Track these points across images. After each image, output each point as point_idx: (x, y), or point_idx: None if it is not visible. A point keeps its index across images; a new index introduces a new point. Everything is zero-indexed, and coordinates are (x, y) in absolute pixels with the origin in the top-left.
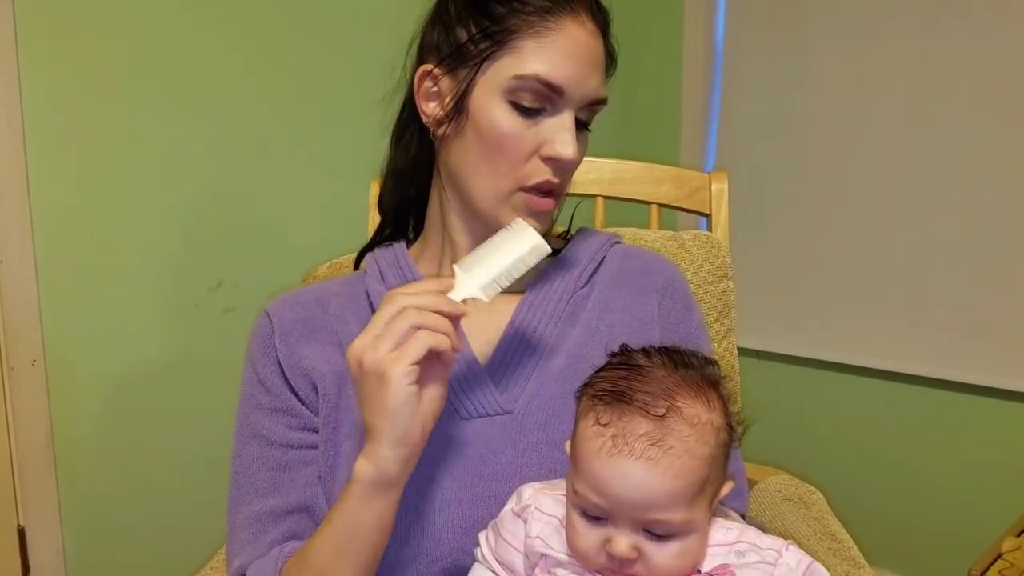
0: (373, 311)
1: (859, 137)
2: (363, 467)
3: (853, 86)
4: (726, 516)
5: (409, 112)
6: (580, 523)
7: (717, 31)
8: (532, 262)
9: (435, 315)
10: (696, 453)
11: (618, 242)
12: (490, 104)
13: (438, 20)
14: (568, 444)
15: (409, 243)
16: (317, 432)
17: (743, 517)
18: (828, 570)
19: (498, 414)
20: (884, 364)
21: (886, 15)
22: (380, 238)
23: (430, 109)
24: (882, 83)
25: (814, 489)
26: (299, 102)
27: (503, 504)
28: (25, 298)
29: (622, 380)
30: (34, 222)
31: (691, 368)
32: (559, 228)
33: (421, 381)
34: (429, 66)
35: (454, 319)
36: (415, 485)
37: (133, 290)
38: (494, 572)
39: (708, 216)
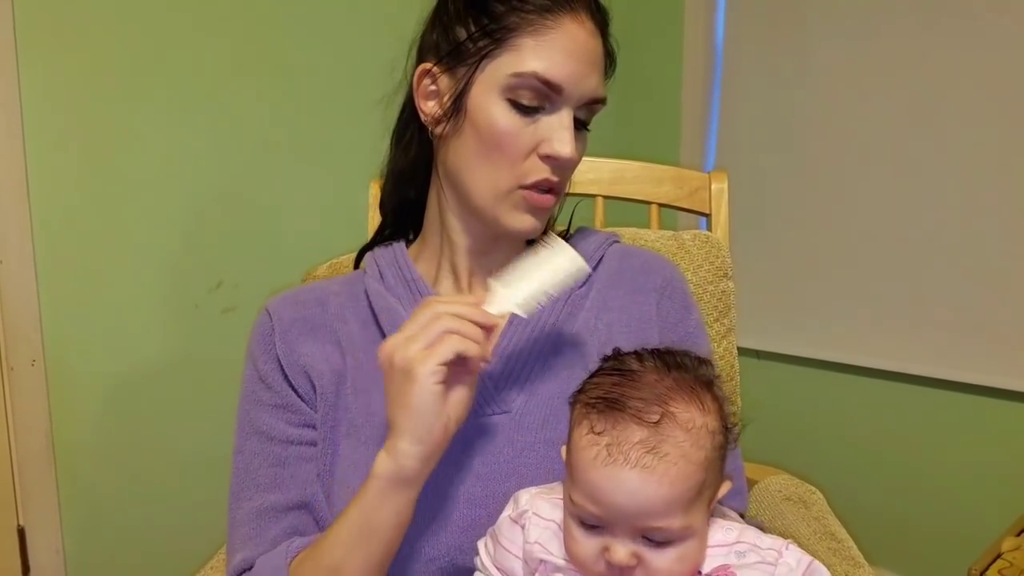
0: (372, 310)
1: (859, 137)
2: (383, 462)
3: (853, 86)
4: (725, 516)
5: (409, 112)
6: (578, 531)
7: (717, 31)
8: (572, 282)
9: (468, 323)
10: (692, 458)
11: (616, 241)
12: (488, 102)
13: (437, 19)
14: (564, 449)
15: (409, 243)
16: (316, 429)
17: (742, 516)
18: (828, 570)
19: (495, 414)
20: (884, 364)
21: (886, 15)
22: (380, 238)
23: (429, 108)
24: (882, 83)
25: (814, 489)
26: (299, 102)
27: (501, 503)
28: (25, 298)
29: (615, 387)
30: (34, 222)
31: (684, 370)
32: (559, 227)
33: (448, 383)
34: (428, 65)
35: (487, 330)
36: None
37: (133, 290)
38: None
39: (708, 216)
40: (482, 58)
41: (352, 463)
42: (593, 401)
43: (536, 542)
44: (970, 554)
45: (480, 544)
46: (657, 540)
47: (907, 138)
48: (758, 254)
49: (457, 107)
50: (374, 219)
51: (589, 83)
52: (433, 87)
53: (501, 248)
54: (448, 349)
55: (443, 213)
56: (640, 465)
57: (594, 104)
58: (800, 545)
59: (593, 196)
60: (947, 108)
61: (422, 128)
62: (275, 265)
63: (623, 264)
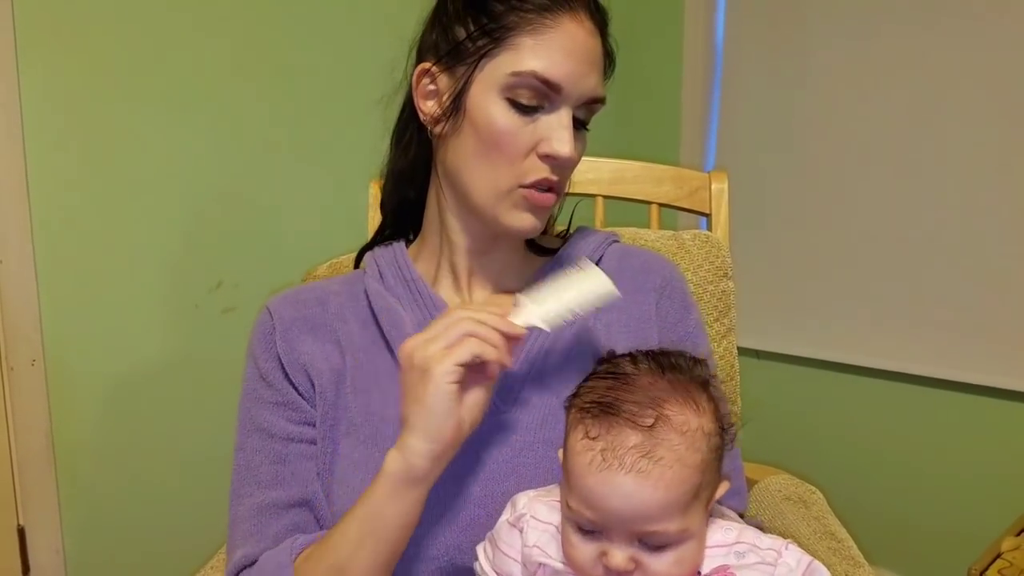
0: (372, 310)
1: (859, 137)
2: (393, 459)
3: (853, 86)
4: (725, 516)
5: (409, 113)
6: (575, 537)
7: (717, 31)
8: (600, 304)
9: (490, 329)
10: (687, 461)
11: (616, 241)
12: (487, 101)
13: (436, 19)
14: (560, 453)
15: (409, 243)
16: (316, 427)
17: (741, 516)
18: (828, 569)
19: (494, 413)
20: (884, 364)
21: (886, 15)
22: (380, 238)
23: (428, 107)
24: (882, 83)
25: (814, 488)
26: (299, 102)
27: (500, 502)
28: (25, 298)
29: (609, 391)
30: (34, 222)
31: (680, 371)
32: (558, 227)
33: (464, 385)
34: (427, 64)
35: (509, 339)
36: None
37: (133, 290)
38: None
39: (708, 216)
40: (481, 57)
41: (351, 462)
42: (587, 406)
43: (535, 545)
44: (970, 554)
45: (479, 549)
46: (654, 544)
47: (907, 138)
48: (758, 254)
49: (456, 106)
50: (374, 219)
51: (588, 82)
52: (432, 87)
53: (500, 248)
54: (466, 351)
55: (442, 213)
56: (635, 470)
57: (593, 104)
58: (800, 545)
59: (593, 196)
60: (947, 108)
61: (421, 128)
62: (275, 265)
63: (622, 264)
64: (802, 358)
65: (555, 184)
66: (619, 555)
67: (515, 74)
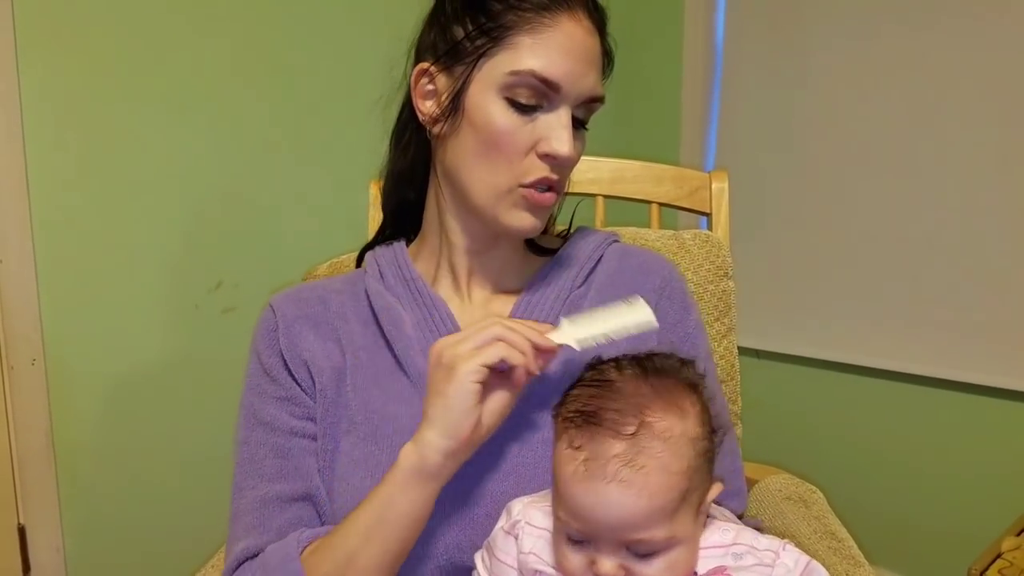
0: (372, 309)
1: (859, 137)
2: (408, 452)
3: (853, 86)
4: (722, 516)
5: (408, 113)
6: (565, 546)
7: (717, 31)
8: (635, 331)
9: (520, 336)
10: (672, 468)
11: (616, 241)
12: (486, 101)
13: (435, 19)
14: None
15: (410, 242)
16: (317, 423)
17: (740, 517)
18: (828, 569)
19: None
20: (884, 364)
21: (886, 15)
22: (381, 238)
23: (427, 108)
24: (882, 83)
25: (814, 488)
26: (299, 102)
27: (500, 501)
28: (25, 297)
29: (592, 399)
30: (34, 222)
31: (664, 375)
32: (559, 227)
33: (487, 387)
34: (426, 64)
35: (541, 352)
36: None
37: (133, 290)
38: None
39: (708, 215)
40: (479, 57)
41: (352, 459)
42: (571, 415)
43: (531, 552)
44: (970, 554)
45: (477, 557)
46: (642, 551)
47: (907, 138)
48: (758, 254)
49: (455, 106)
50: (374, 219)
51: (587, 81)
52: (431, 87)
53: (500, 247)
54: (494, 353)
55: (442, 213)
56: (618, 479)
57: (592, 103)
58: (800, 544)
59: (593, 195)
60: (947, 108)
61: (421, 128)
62: (275, 265)
63: (622, 264)
64: (802, 358)
65: (555, 183)
66: (608, 564)
67: (514, 73)
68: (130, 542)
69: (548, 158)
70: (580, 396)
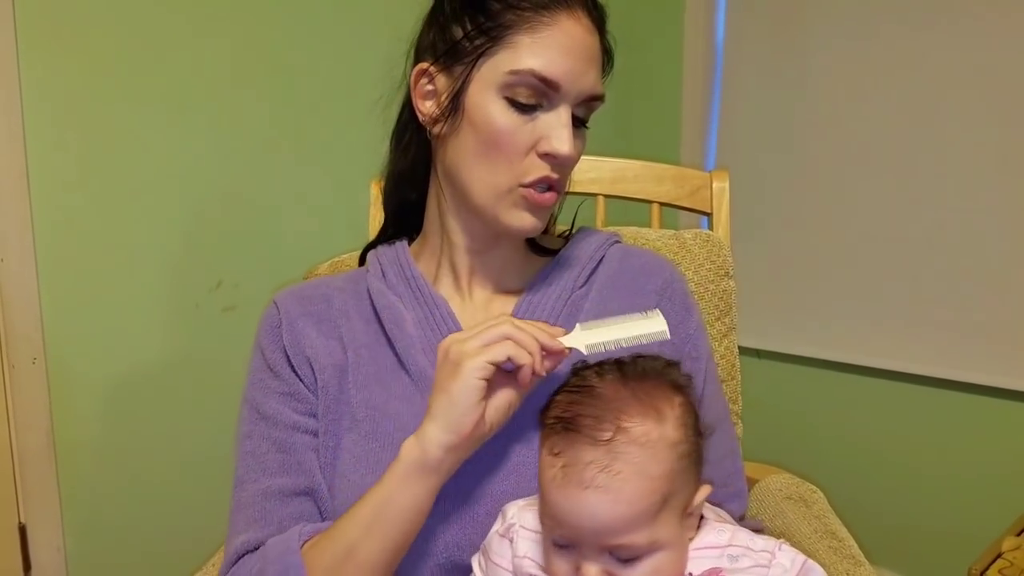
0: (374, 308)
1: (859, 137)
2: (409, 446)
3: (853, 86)
4: (717, 517)
5: (408, 114)
6: (552, 551)
7: (717, 31)
8: (646, 341)
9: (529, 336)
10: (650, 473)
11: (618, 241)
12: (486, 100)
13: (434, 19)
14: None
15: (412, 241)
16: (319, 419)
17: (742, 518)
18: (829, 568)
19: None
20: (884, 363)
21: (886, 15)
22: (383, 237)
23: (426, 108)
24: (882, 83)
25: (815, 488)
26: (299, 102)
27: (499, 500)
28: (25, 296)
29: (572, 405)
30: (34, 221)
31: (645, 379)
32: (561, 227)
33: (493, 385)
34: (425, 64)
35: (550, 353)
36: None
37: (133, 289)
38: None
39: (709, 215)
40: (479, 56)
41: (354, 457)
42: (551, 422)
43: (525, 556)
44: (970, 553)
45: (474, 560)
46: (625, 556)
47: (907, 138)
48: (759, 253)
49: (455, 106)
50: (375, 218)
51: (587, 80)
52: (430, 87)
53: (501, 247)
54: (501, 351)
55: (442, 213)
56: (594, 486)
57: (592, 101)
58: (801, 544)
59: (594, 195)
60: (946, 108)
61: (421, 128)
62: (275, 265)
63: (623, 265)
64: (803, 357)
65: (555, 182)
66: (592, 569)
67: (513, 73)
68: (131, 541)
69: (548, 157)
70: (560, 402)
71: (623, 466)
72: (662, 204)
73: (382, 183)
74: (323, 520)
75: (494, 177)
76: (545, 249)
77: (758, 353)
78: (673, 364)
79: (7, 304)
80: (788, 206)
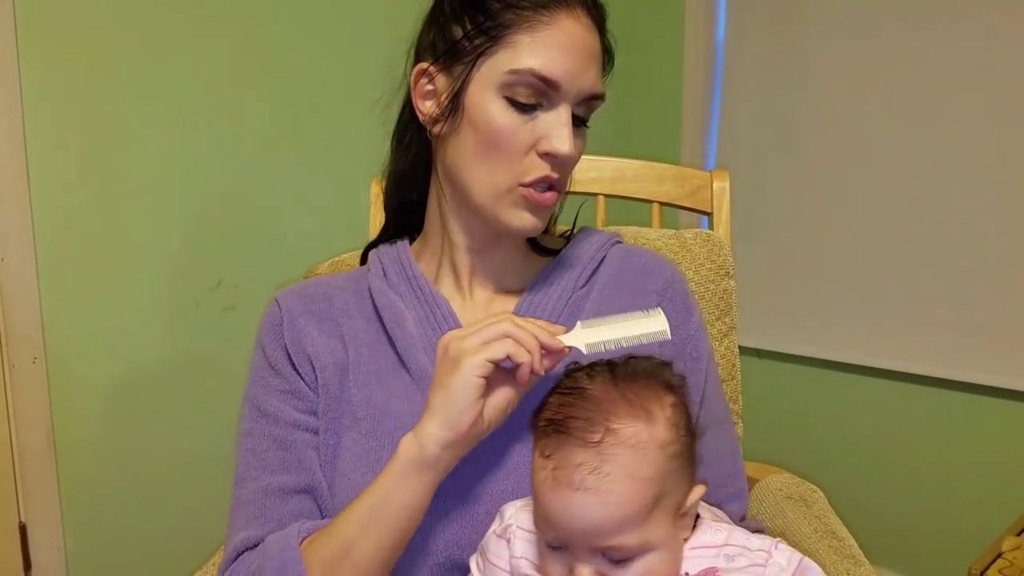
0: (375, 307)
1: (859, 137)
2: (407, 443)
3: (853, 86)
4: (714, 516)
5: (409, 114)
6: (546, 552)
7: (717, 31)
8: (646, 340)
9: (528, 335)
10: (640, 474)
11: (619, 241)
12: (485, 100)
13: (434, 19)
14: None
15: (413, 241)
16: (319, 418)
17: (742, 519)
18: (829, 568)
19: None
20: (884, 363)
21: (886, 16)
22: (385, 237)
23: (426, 108)
24: (882, 83)
25: (815, 487)
26: (299, 102)
27: (499, 500)
28: (26, 296)
29: (562, 407)
30: (35, 221)
31: (636, 380)
32: (562, 227)
33: (491, 383)
34: (425, 64)
35: (549, 352)
36: None
37: (133, 289)
38: None
39: (710, 215)
40: (478, 56)
41: (354, 455)
42: (543, 424)
43: (522, 556)
44: (970, 553)
45: (471, 560)
46: (617, 558)
47: (907, 138)
48: (759, 253)
49: (455, 106)
50: (375, 219)
51: (587, 79)
52: (430, 87)
53: (502, 247)
54: (500, 349)
55: (443, 213)
56: (583, 488)
57: (592, 100)
58: (801, 543)
59: (595, 195)
60: (947, 108)
61: (421, 128)
62: (275, 265)
63: (624, 265)
64: (803, 357)
65: (555, 182)
66: (584, 571)
67: (513, 72)
68: (131, 541)
69: (548, 157)
70: (552, 404)
71: (612, 468)
72: (662, 204)
73: (383, 183)
74: (323, 518)
75: (494, 177)
76: (546, 249)
77: (758, 353)
78: (666, 364)
79: (7, 304)
80: (788, 206)
